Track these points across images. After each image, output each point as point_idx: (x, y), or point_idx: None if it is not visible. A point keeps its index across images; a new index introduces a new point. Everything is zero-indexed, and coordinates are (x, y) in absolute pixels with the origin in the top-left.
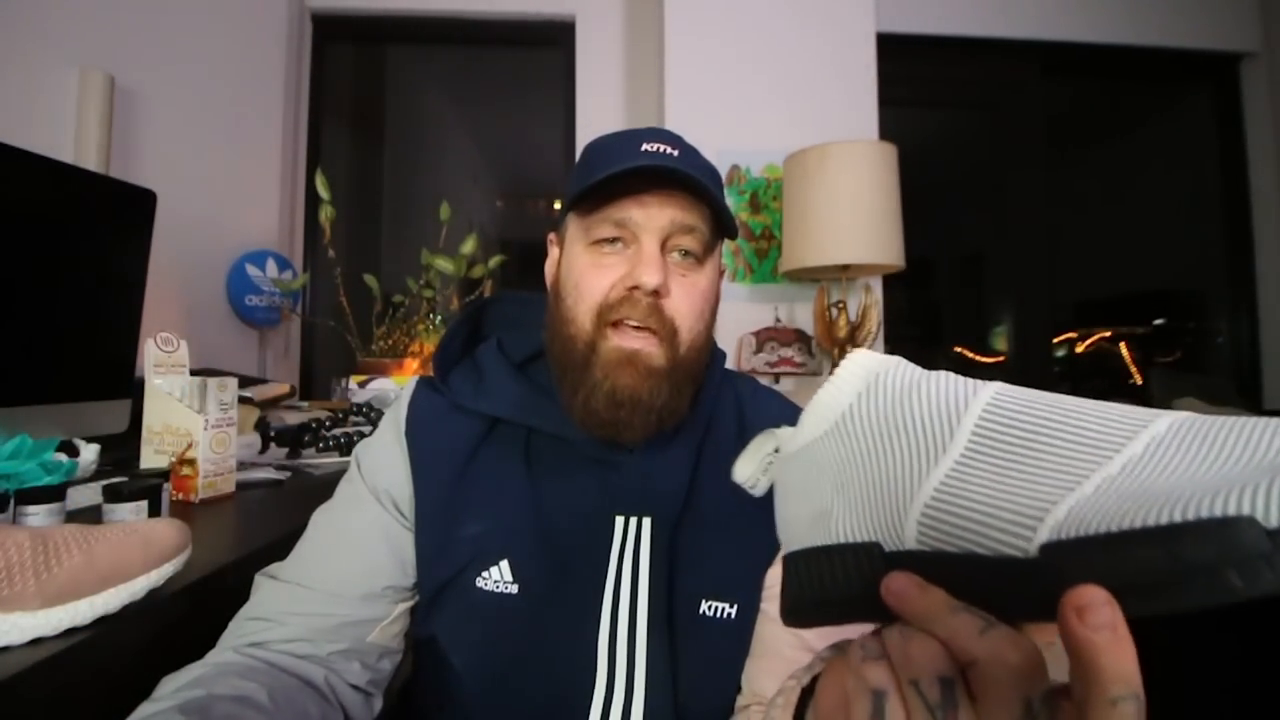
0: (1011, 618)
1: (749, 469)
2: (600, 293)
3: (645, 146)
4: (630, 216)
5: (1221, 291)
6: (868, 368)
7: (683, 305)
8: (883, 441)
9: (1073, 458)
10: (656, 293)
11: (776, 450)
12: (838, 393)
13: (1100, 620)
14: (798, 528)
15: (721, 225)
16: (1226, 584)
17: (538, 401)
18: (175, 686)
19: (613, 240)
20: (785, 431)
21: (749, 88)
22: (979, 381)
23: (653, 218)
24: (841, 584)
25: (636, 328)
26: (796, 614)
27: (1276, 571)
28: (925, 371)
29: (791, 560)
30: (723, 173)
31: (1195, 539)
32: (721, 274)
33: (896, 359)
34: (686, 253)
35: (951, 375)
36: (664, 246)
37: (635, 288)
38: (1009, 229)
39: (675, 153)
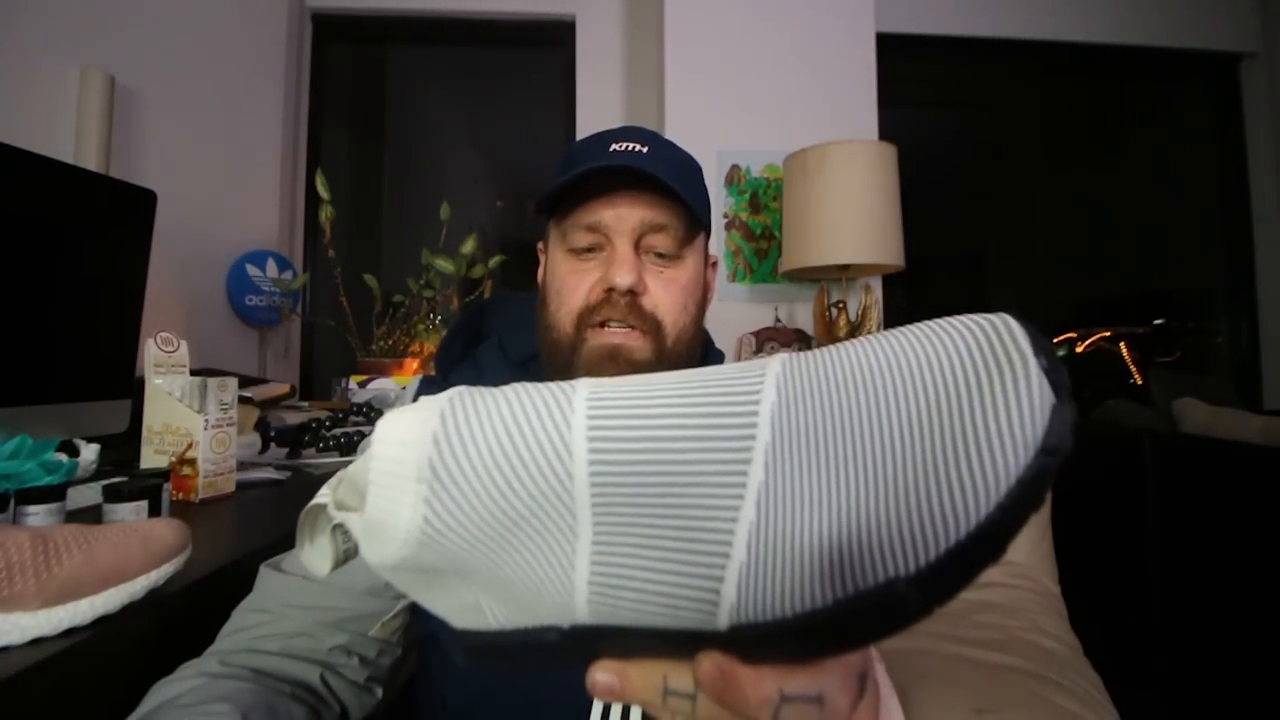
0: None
1: (326, 562)
2: (579, 297)
3: (614, 146)
4: (601, 219)
5: (1221, 291)
6: (419, 455)
7: (663, 299)
8: (497, 541)
9: (707, 507)
10: (634, 291)
11: (339, 527)
12: (397, 505)
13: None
14: (440, 613)
15: (698, 219)
16: (897, 618)
17: None
18: (142, 713)
19: (589, 248)
20: (350, 522)
21: (749, 88)
22: (561, 400)
23: (623, 218)
24: (530, 661)
25: (619, 326)
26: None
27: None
28: (490, 416)
29: (461, 637)
30: (723, 173)
31: (862, 617)
32: (714, 265)
33: (440, 409)
34: (660, 254)
35: (522, 405)
36: (639, 245)
37: (612, 289)
38: (1009, 229)
39: (645, 149)
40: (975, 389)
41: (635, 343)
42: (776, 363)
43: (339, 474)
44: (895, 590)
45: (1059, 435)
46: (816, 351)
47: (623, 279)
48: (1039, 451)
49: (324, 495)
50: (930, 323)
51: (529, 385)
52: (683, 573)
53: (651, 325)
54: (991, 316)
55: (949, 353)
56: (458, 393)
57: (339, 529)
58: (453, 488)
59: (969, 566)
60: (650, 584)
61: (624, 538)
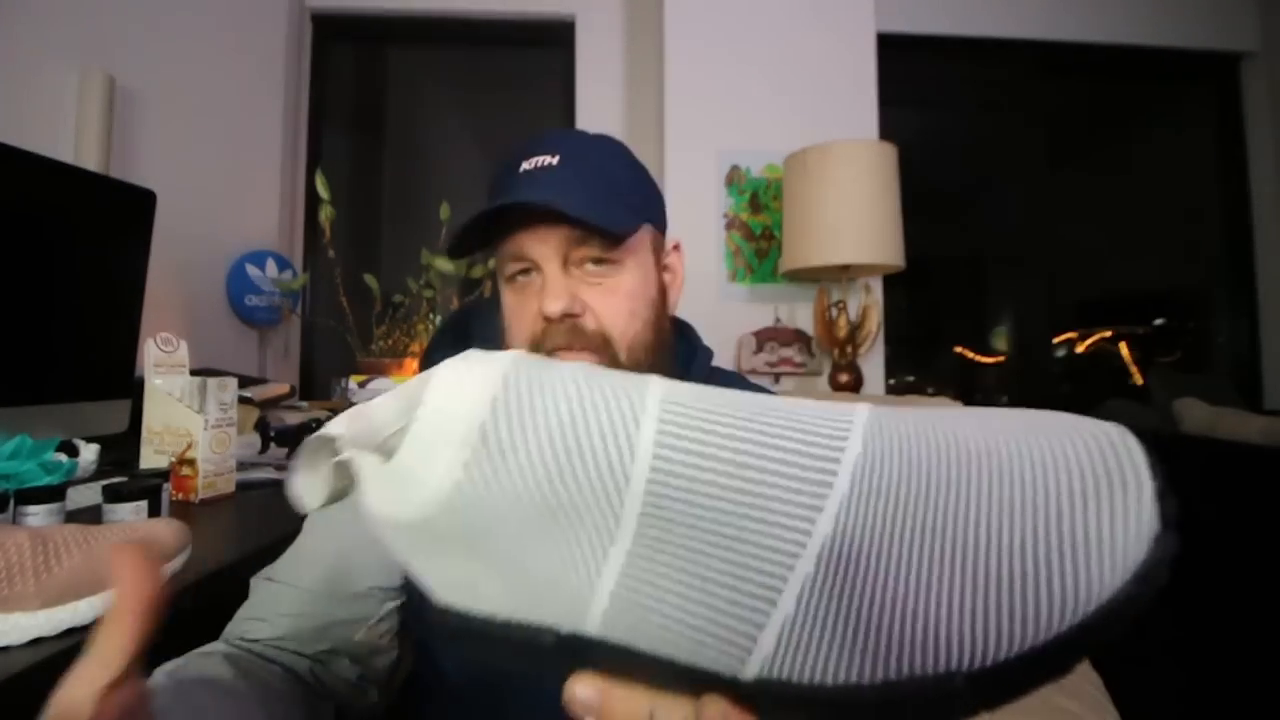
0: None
1: (318, 496)
2: (525, 330)
3: (524, 165)
4: (523, 249)
5: (1221, 291)
6: (472, 413)
7: (606, 313)
8: (525, 525)
9: (764, 546)
10: (570, 314)
11: (340, 464)
12: (430, 462)
13: None
14: (427, 582)
15: (621, 226)
16: (943, 712)
17: None
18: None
19: (523, 270)
20: (363, 462)
21: (749, 88)
22: (634, 396)
23: (543, 242)
24: (511, 658)
25: (565, 350)
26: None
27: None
28: (555, 395)
29: (443, 615)
30: (723, 173)
31: (908, 704)
32: (676, 249)
33: (504, 373)
34: (597, 260)
35: (590, 391)
36: (569, 261)
37: (548, 317)
38: (1009, 229)
39: (554, 161)
40: (1086, 500)
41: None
42: (865, 411)
43: (357, 408)
44: (952, 684)
45: (1156, 566)
46: (909, 411)
47: (550, 307)
48: (1134, 578)
49: (337, 427)
50: (1044, 416)
51: (599, 370)
52: (721, 609)
53: (598, 342)
54: (1110, 428)
55: (1065, 456)
56: (523, 359)
57: (340, 466)
58: (498, 460)
59: (1031, 677)
60: (681, 611)
61: (665, 556)
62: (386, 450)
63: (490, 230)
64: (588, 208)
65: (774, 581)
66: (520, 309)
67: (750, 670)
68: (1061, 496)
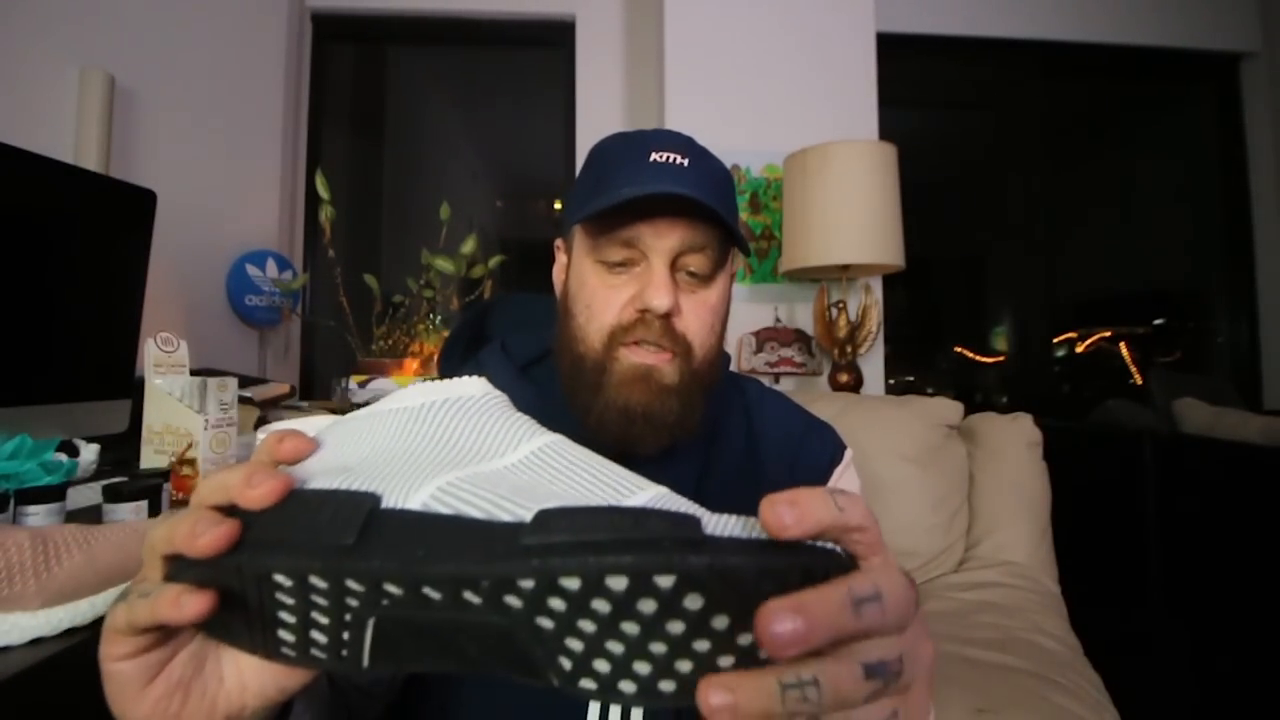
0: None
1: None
2: (612, 316)
3: (654, 156)
4: (639, 237)
5: (1221, 291)
6: (477, 388)
7: (694, 323)
8: (448, 434)
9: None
10: (668, 314)
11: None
12: (445, 390)
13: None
14: (310, 469)
15: (735, 238)
16: (663, 553)
17: (542, 405)
18: None
19: (622, 261)
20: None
21: (749, 87)
22: (544, 432)
23: (662, 237)
24: (307, 530)
25: (651, 346)
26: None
27: (691, 554)
28: (512, 410)
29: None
30: None
31: (654, 517)
32: (733, 278)
33: (496, 393)
34: (693, 273)
35: (529, 420)
36: (673, 265)
37: (646, 310)
38: (1009, 229)
39: (685, 162)
40: None
41: (666, 365)
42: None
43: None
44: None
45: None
46: None
47: (659, 302)
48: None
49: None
50: None
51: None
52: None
53: (682, 348)
54: None
55: None
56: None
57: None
58: (478, 403)
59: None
60: (500, 493)
61: (507, 478)
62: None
63: (607, 210)
64: (722, 215)
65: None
66: (610, 294)
67: (529, 514)
68: None
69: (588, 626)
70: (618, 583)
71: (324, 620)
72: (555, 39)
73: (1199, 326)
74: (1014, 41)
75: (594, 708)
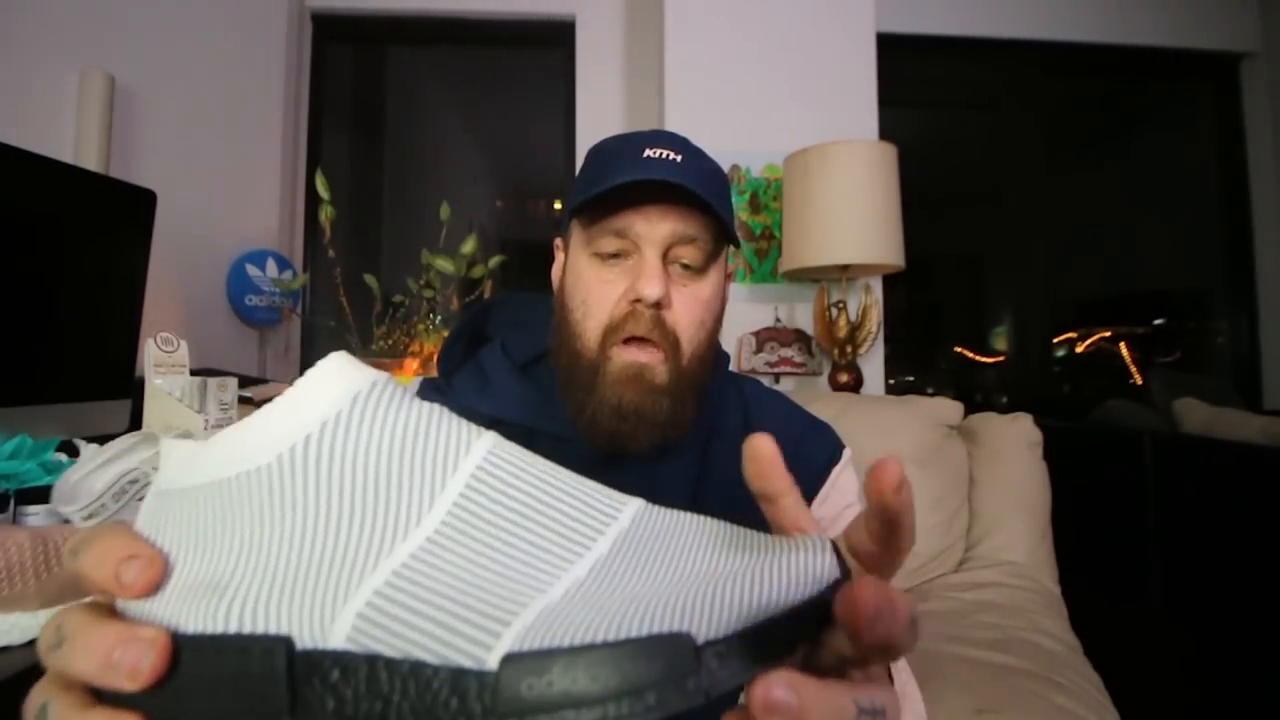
0: None
1: (99, 485)
2: (607, 309)
3: (648, 152)
4: (631, 227)
5: (1221, 291)
6: (349, 383)
7: (683, 317)
8: (342, 496)
9: (549, 550)
10: (659, 304)
11: (133, 483)
12: (297, 412)
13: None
14: (171, 595)
15: (726, 232)
16: (647, 703)
17: (540, 403)
18: None
19: (615, 252)
20: (178, 449)
21: (749, 88)
22: (474, 428)
23: (654, 228)
24: (225, 697)
25: (641, 341)
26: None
27: (684, 693)
28: (414, 399)
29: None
30: None
31: (643, 655)
32: (730, 277)
33: (381, 375)
34: (686, 265)
35: (443, 412)
36: (665, 256)
37: (638, 300)
38: (1009, 229)
39: (678, 158)
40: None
41: (658, 365)
42: (631, 508)
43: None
44: (677, 639)
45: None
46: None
47: (650, 290)
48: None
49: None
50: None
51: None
52: (494, 588)
53: (670, 345)
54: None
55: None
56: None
57: (126, 484)
58: (356, 423)
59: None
60: (455, 590)
61: (461, 542)
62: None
63: (592, 204)
64: (712, 204)
65: (548, 577)
66: (605, 286)
67: (500, 648)
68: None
69: None
70: None
71: None
72: (555, 39)
73: (1199, 326)
74: (1014, 41)
75: None
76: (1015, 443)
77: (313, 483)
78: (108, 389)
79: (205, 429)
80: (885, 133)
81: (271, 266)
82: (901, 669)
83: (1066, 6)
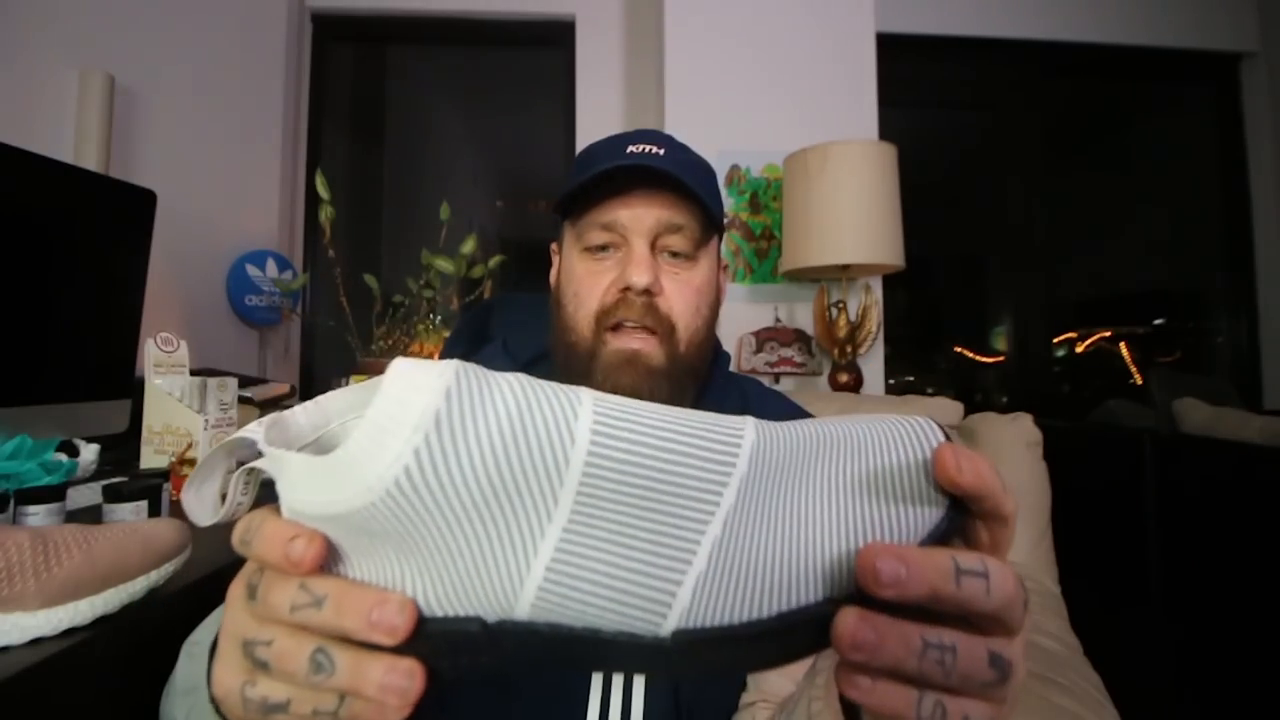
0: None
1: (206, 507)
2: (597, 298)
3: (631, 148)
4: (617, 218)
5: (1221, 291)
6: (427, 402)
7: (678, 302)
8: (465, 512)
9: (681, 516)
10: (649, 291)
11: (250, 472)
12: (381, 448)
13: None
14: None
15: (713, 220)
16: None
17: None
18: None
19: (604, 246)
20: (290, 468)
21: (749, 88)
22: (570, 395)
23: (639, 218)
24: (440, 654)
25: (634, 327)
26: None
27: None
28: (502, 390)
29: None
30: (722, 173)
31: (799, 634)
32: (725, 269)
33: (455, 369)
34: (675, 253)
35: (532, 390)
36: (654, 246)
37: (628, 289)
38: (1009, 228)
39: (661, 151)
40: (896, 451)
41: (651, 349)
42: (752, 420)
43: (274, 415)
44: (828, 609)
45: (958, 504)
46: (784, 424)
47: (639, 278)
48: (949, 508)
49: (252, 431)
50: (879, 415)
51: (536, 379)
52: (644, 570)
53: (665, 328)
54: (919, 417)
55: (887, 433)
56: (467, 364)
57: (244, 476)
58: (449, 442)
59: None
60: (609, 577)
61: (596, 528)
62: (322, 447)
63: (582, 198)
64: (695, 189)
65: (690, 544)
66: (594, 278)
67: (669, 625)
68: (883, 460)
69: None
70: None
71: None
72: (555, 39)
73: (1199, 326)
74: (1014, 41)
75: (593, 701)
76: (1015, 443)
77: (426, 507)
78: (108, 389)
79: (205, 429)
80: (885, 133)
81: (271, 266)
82: None
83: (1066, 6)
